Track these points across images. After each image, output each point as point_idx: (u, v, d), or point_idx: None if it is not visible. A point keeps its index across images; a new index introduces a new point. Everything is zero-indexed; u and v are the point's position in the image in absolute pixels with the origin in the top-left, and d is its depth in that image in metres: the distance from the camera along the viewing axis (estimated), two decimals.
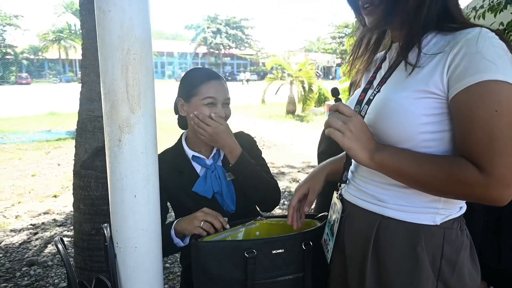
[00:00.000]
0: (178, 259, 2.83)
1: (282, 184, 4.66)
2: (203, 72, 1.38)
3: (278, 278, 1.08)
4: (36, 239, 3.17)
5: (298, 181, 4.89)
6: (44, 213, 3.80)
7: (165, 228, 1.21)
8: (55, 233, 3.30)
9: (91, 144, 1.67)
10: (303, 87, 12.23)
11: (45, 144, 7.38)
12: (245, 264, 1.04)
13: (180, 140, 1.42)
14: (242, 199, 1.39)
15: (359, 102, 0.94)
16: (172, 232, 1.20)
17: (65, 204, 4.06)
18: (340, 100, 0.86)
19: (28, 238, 3.19)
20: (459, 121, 0.75)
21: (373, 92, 0.90)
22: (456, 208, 0.86)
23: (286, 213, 1.22)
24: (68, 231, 3.34)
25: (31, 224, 3.50)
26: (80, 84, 1.76)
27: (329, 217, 1.05)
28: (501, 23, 2.69)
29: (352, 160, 0.98)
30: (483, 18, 2.84)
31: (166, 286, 2.42)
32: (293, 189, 4.50)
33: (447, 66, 0.76)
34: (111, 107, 0.91)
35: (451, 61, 0.75)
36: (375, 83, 0.93)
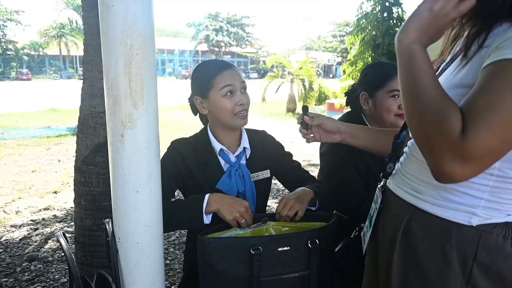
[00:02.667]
0: (178, 256, 2.84)
1: None
2: (213, 63, 1.35)
3: (284, 276, 1.08)
4: (37, 235, 3.17)
5: None
6: (45, 209, 3.80)
7: (192, 200, 1.19)
8: (55, 229, 3.30)
9: (92, 140, 1.67)
10: (304, 86, 12.22)
11: (46, 140, 7.38)
12: (250, 260, 1.04)
13: (205, 131, 1.39)
14: (261, 201, 1.40)
15: None
16: (204, 205, 1.16)
17: (65, 200, 4.05)
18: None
19: (29, 234, 3.19)
20: (477, 83, 0.68)
21: None
22: (501, 214, 0.78)
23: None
24: (68, 227, 3.34)
25: (31, 220, 3.50)
26: (81, 80, 1.76)
27: (370, 209, 1.03)
28: None
29: (404, 151, 0.94)
30: None
31: (166, 282, 2.43)
32: None
33: (487, 55, 0.69)
34: (114, 102, 0.91)
35: (495, 45, 0.68)
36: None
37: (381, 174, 0.99)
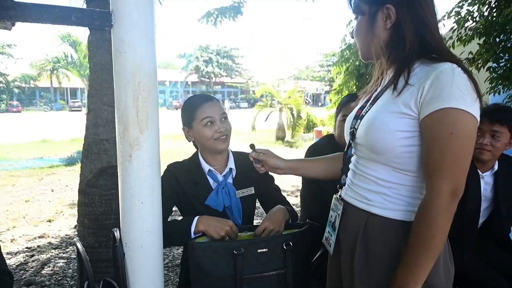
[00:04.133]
0: (172, 277, 2.95)
1: None
2: (196, 98, 1.59)
3: (264, 273, 1.26)
4: (33, 261, 3.27)
5: None
6: (39, 237, 3.89)
7: (184, 222, 1.38)
8: (51, 255, 3.39)
9: (96, 165, 1.85)
10: (292, 114, 12.58)
11: (38, 171, 7.47)
12: (234, 261, 1.22)
13: (196, 154, 1.60)
14: (247, 215, 1.58)
15: (356, 116, 1.11)
16: (193, 227, 1.35)
17: (60, 228, 4.15)
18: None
19: (25, 260, 3.28)
20: (424, 139, 0.93)
21: (366, 110, 1.08)
22: None
23: None
24: (63, 253, 3.44)
25: (26, 247, 3.59)
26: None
27: (329, 217, 1.22)
28: (470, 52, 2.96)
29: (350, 167, 1.15)
30: (453, 47, 3.12)
31: None
32: None
33: (420, 93, 0.93)
34: (124, 129, 1.11)
35: (423, 90, 0.92)
36: (369, 102, 1.10)
37: (337, 185, 1.19)
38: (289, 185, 6.16)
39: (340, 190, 1.19)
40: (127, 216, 1.14)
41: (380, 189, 1.02)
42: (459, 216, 1.77)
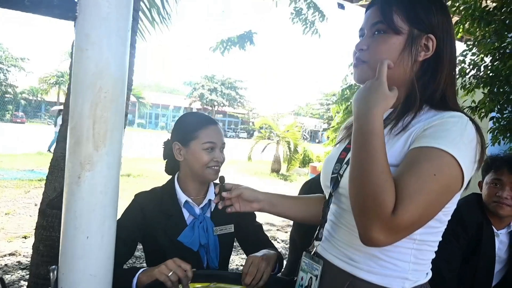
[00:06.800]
0: None
1: None
2: (200, 117, 1.39)
3: None
4: None
5: (276, 240, 4.77)
6: (10, 254, 3.61)
7: (127, 272, 1.12)
8: (16, 277, 3.11)
9: (61, 183, 1.62)
10: (289, 148, 12.43)
11: (27, 183, 7.22)
12: None
13: (172, 182, 1.38)
14: (224, 255, 1.35)
15: (340, 160, 0.94)
16: (135, 280, 1.08)
17: None
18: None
19: None
20: (403, 163, 0.77)
21: None
22: (424, 274, 0.88)
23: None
24: None
25: None
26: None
27: (299, 279, 0.98)
28: (473, 101, 2.89)
29: (329, 219, 0.96)
30: (457, 95, 3.01)
31: None
32: None
33: (414, 134, 0.81)
34: (75, 143, 0.90)
35: (421, 130, 0.80)
36: None
37: (314, 240, 0.98)
38: (279, 219, 5.87)
39: (313, 245, 0.97)
40: (66, 253, 0.90)
41: (368, 248, 0.83)
42: (470, 276, 1.57)
